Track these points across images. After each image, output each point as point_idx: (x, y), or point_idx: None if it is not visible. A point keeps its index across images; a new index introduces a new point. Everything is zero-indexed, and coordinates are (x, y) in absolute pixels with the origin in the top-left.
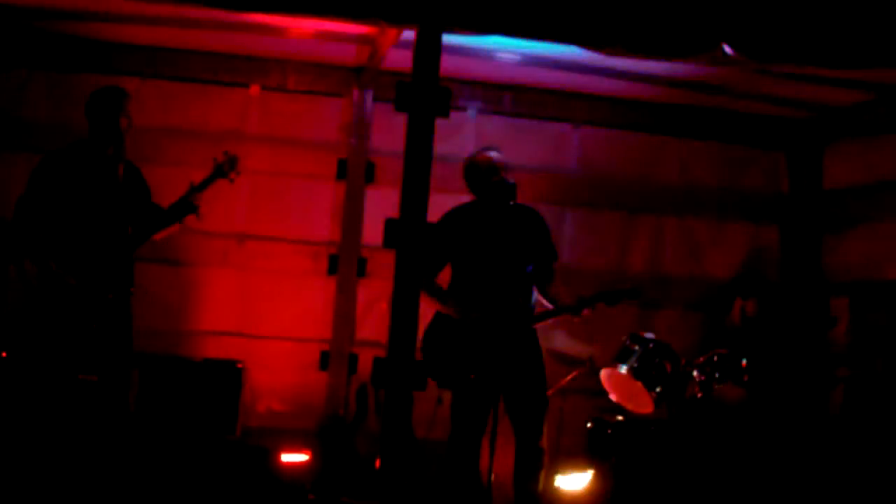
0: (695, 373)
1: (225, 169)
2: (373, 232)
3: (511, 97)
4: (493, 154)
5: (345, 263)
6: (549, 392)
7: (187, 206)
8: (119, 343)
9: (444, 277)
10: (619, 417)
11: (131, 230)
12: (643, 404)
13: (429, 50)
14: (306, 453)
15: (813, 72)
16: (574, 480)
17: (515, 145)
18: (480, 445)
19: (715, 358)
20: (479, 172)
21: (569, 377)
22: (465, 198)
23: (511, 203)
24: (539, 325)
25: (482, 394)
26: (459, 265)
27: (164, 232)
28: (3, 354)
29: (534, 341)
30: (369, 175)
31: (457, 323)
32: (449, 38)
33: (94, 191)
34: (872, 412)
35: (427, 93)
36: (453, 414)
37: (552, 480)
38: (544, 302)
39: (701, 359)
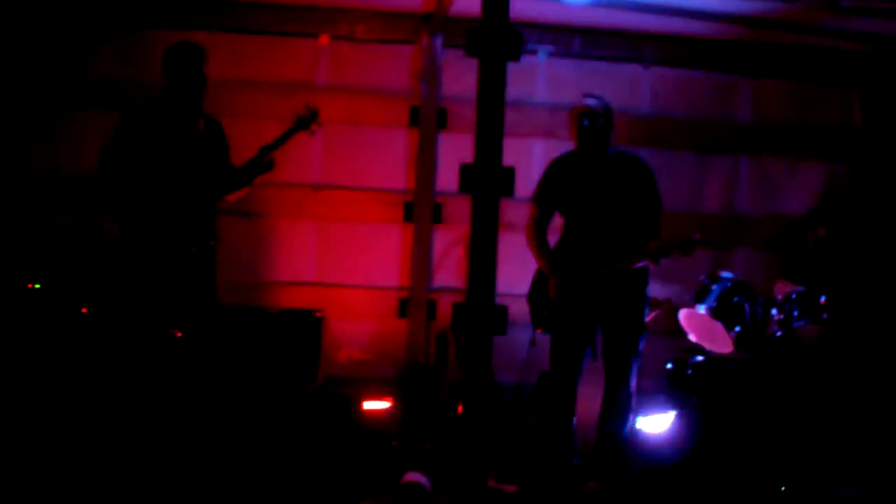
0: (774, 311)
1: (306, 121)
2: (447, 178)
3: (581, 40)
4: (589, 100)
5: (420, 210)
6: None
7: (260, 167)
8: (203, 296)
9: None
10: (699, 358)
11: (211, 184)
12: (723, 344)
13: None
14: (388, 400)
15: (885, 5)
16: (655, 422)
17: (587, 86)
18: (575, 389)
19: (793, 296)
20: (573, 119)
21: (649, 318)
22: (539, 142)
23: (609, 151)
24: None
25: (577, 337)
26: (564, 215)
27: (236, 193)
28: (84, 311)
29: (638, 288)
30: (441, 121)
31: (556, 269)
32: None
33: (175, 145)
34: None
35: (498, 36)
36: (553, 355)
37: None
38: None
39: (779, 297)
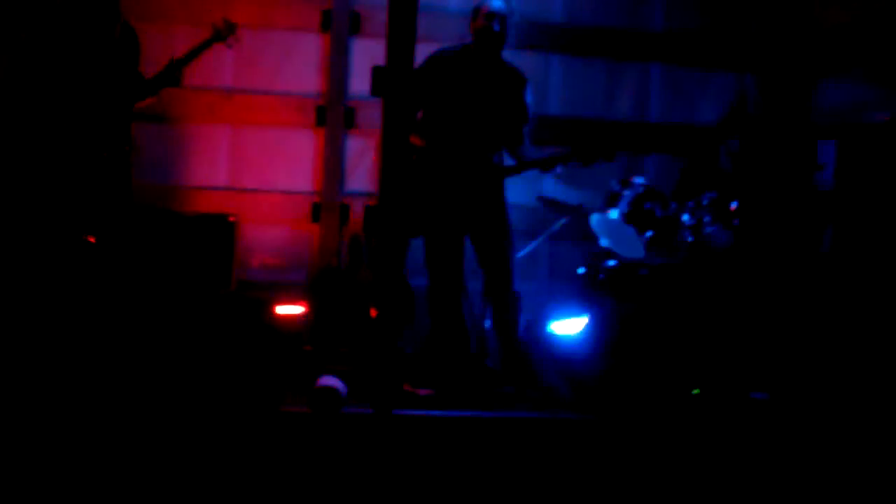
0: (685, 216)
1: (223, 34)
2: (360, 83)
3: None
4: (498, 2)
5: (332, 114)
6: (540, 238)
7: (168, 80)
8: (117, 202)
9: None
10: (612, 262)
11: (124, 91)
12: (634, 249)
13: None
14: (301, 305)
15: None
16: (569, 325)
17: None
18: (460, 290)
19: (704, 201)
20: (480, 18)
21: (559, 223)
22: None
23: (499, 55)
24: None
25: (450, 239)
26: (433, 109)
27: (141, 103)
28: None
29: (498, 192)
30: (355, 26)
31: (422, 172)
32: None
33: (89, 49)
34: (860, 251)
35: None
36: (427, 261)
37: (546, 326)
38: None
39: (691, 203)
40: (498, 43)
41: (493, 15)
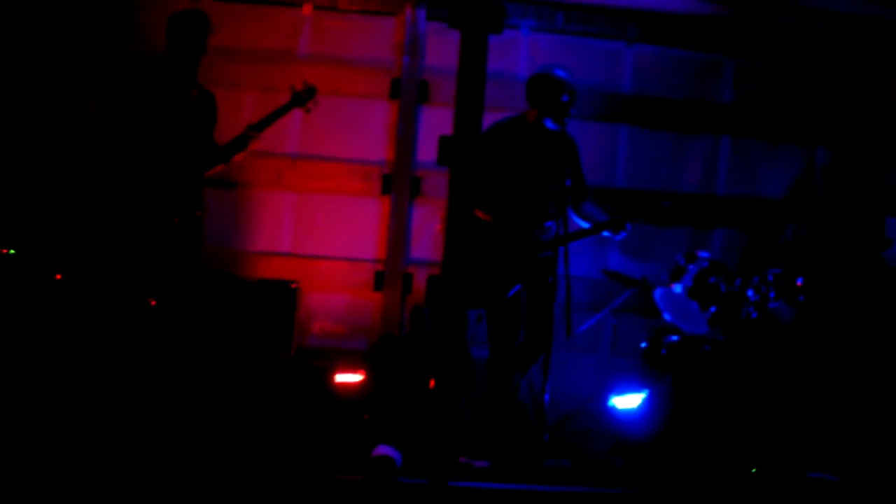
0: (749, 292)
1: (303, 97)
2: (427, 152)
3: (564, 15)
4: (563, 73)
5: (398, 183)
6: (604, 311)
7: (242, 145)
8: (185, 266)
9: None
10: (674, 337)
11: (199, 156)
12: (697, 324)
13: None
14: (361, 373)
15: None
16: (629, 400)
17: (569, 63)
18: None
19: (770, 277)
20: (551, 86)
21: (623, 297)
22: None
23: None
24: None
25: (511, 312)
26: (497, 179)
27: (214, 169)
28: (58, 277)
29: (554, 263)
30: (423, 94)
31: (486, 243)
32: None
33: (169, 113)
34: None
35: (479, 8)
36: (489, 333)
37: (607, 399)
38: (581, 223)
39: (756, 278)
40: (565, 113)
41: (566, 87)
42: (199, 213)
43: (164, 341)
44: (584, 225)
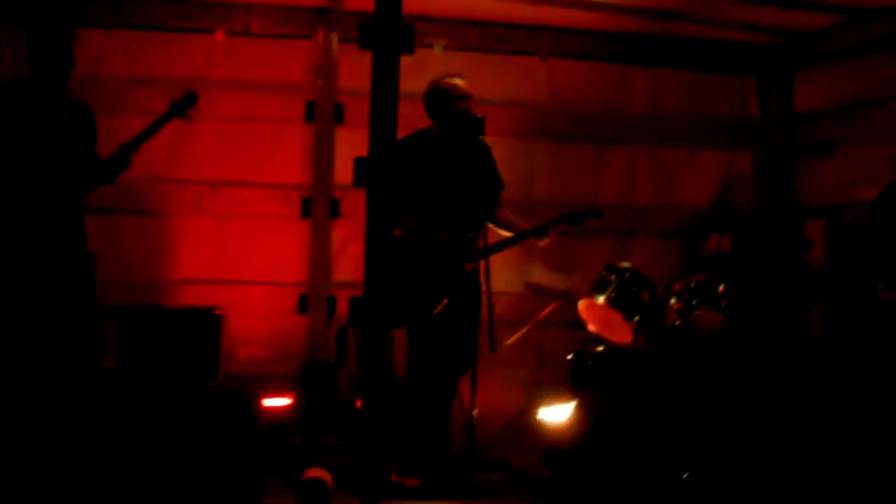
0: (672, 300)
1: (182, 106)
2: (345, 173)
3: (478, 33)
4: (459, 80)
5: (318, 205)
6: (529, 325)
7: (120, 162)
8: (80, 303)
9: None
10: (599, 348)
11: (75, 180)
12: (622, 334)
13: None
14: (289, 397)
15: None
16: (557, 412)
17: (483, 79)
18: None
19: (692, 284)
20: (443, 98)
21: (547, 310)
22: None
23: (479, 137)
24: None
25: (434, 326)
26: (414, 194)
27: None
28: None
29: (476, 277)
30: (338, 116)
31: (407, 253)
32: None
33: (35, 137)
34: (850, 331)
35: (390, 29)
36: (410, 349)
37: (536, 413)
38: (501, 232)
39: (678, 286)
40: (464, 117)
41: (466, 96)
42: (86, 247)
43: (77, 378)
44: (506, 234)
